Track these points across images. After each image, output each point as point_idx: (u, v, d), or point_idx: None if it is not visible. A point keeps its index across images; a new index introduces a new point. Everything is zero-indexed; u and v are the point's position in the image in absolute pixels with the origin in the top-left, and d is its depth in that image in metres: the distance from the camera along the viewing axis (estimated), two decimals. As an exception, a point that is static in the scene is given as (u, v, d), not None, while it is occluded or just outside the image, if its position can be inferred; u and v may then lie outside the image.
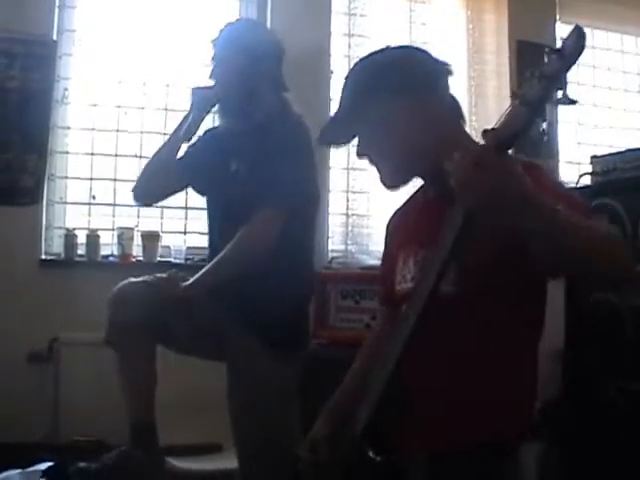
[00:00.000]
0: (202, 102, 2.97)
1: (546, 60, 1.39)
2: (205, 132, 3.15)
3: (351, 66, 1.96)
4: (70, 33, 4.35)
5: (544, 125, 1.35)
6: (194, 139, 3.07)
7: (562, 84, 1.39)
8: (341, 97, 1.91)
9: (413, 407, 1.67)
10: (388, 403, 1.67)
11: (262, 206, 2.67)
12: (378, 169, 1.87)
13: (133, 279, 2.69)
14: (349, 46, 4.76)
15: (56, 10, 4.29)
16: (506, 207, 1.40)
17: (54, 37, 4.25)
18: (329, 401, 2.04)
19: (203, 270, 2.71)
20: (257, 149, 2.78)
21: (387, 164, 1.85)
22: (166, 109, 4.45)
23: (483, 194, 1.38)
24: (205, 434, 3.62)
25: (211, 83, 2.96)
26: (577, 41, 1.35)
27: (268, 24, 4.56)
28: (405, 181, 1.88)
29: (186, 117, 3.01)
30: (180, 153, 3.02)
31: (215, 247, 2.91)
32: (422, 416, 1.66)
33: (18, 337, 3.90)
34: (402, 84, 1.80)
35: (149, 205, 3.48)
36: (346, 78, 1.92)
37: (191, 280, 2.69)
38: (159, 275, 2.75)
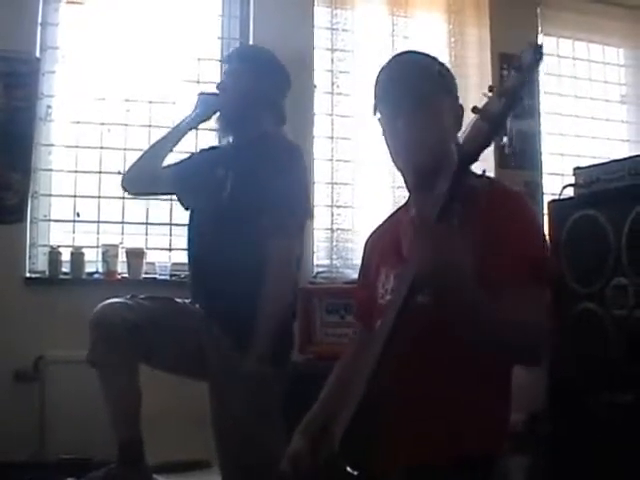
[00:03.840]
0: (204, 106, 3.11)
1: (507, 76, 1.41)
2: (202, 150, 3.30)
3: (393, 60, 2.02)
4: (53, 50, 4.34)
5: (505, 139, 1.35)
6: (190, 154, 3.25)
7: (521, 99, 1.40)
8: (402, 71, 1.99)
9: (389, 421, 1.66)
10: (364, 417, 1.67)
11: (276, 235, 2.72)
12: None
13: (113, 299, 2.70)
14: (332, 61, 4.76)
15: (39, 27, 4.29)
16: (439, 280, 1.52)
17: (37, 54, 4.24)
18: (307, 414, 2.04)
19: (257, 330, 2.69)
20: (249, 161, 2.85)
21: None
22: (150, 126, 4.42)
23: (425, 263, 1.50)
24: (193, 451, 3.60)
25: (216, 92, 3.08)
26: (533, 56, 1.38)
27: (251, 39, 4.59)
28: None
29: (187, 117, 3.16)
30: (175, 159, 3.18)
31: (200, 259, 2.94)
32: (398, 430, 1.65)
33: (3, 356, 3.89)
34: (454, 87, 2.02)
35: (134, 194, 3.56)
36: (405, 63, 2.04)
37: (256, 347, 2.68)
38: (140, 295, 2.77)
